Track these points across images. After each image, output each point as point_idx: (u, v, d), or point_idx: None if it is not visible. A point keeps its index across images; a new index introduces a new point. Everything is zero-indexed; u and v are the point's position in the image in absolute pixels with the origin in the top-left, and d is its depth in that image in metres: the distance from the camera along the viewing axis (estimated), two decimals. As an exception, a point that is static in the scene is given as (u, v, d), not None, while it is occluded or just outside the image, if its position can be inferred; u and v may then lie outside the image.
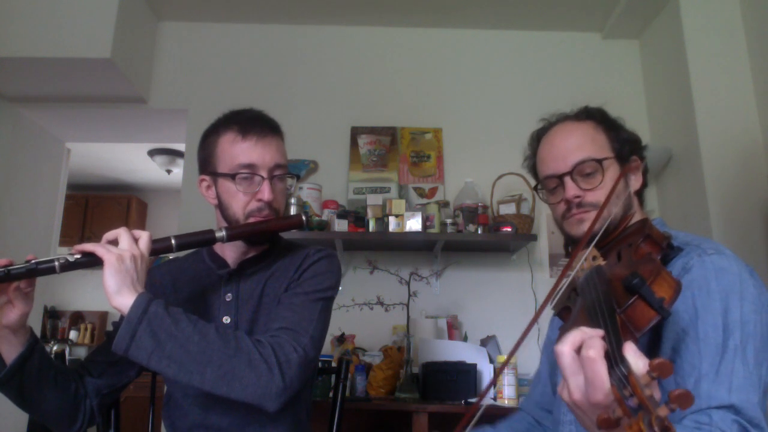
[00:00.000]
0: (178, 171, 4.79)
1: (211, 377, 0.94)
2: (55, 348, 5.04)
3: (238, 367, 0.96)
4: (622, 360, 0.57)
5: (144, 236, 1.00)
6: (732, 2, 2.64)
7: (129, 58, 2.72)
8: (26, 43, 2.52)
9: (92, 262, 0.95)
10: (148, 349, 0.92)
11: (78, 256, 0.95)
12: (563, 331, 0.69)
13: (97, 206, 5.45)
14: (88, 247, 0.95)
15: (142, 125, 3.23)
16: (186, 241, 1.06)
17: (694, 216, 2.52)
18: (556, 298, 0.83)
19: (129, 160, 5.00)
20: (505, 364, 0.86)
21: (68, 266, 0.94)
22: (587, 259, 0.88)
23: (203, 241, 1.10)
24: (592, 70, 3.03)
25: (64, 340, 5.29)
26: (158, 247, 1.03)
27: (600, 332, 0.62)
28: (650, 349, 0.87)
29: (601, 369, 0.58)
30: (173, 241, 1.04)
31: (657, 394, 0.56)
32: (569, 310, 0.85)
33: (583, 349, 0.61)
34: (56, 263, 0.93)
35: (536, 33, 3.08)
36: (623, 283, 0.69)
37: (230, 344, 0.97)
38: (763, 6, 2.48)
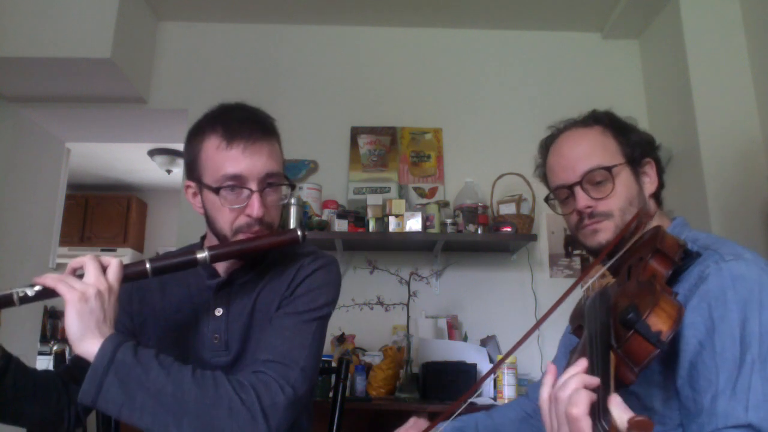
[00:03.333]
0: (178, 171, 4.79)
1: (189, 429, 0.86)
2: (55, 348, 5.04)
3: (217, 417, 0.87)
4: (606, 413, 0.55)
5: (113, 265, 0.90)
6: (732, 2, 2.64)
7: (129, 58, 2.72)
8: (26, 43, 2.52)
9: (53, 295, 0.87)
10: (117, 402, 0.84)
11: (38, 288, 0.87)
12: (572, 358, 0.68)
13: (97, 206, 5.44)
14: (49, 281, 0.86)
15: (142, 125, 3.23)
16: (163, 264, 0.96)
17: (694, 216, 2.52)
18: (566, 311, 0.82)
19: (129, 160, 5.00)
20: (499, 364, 0.86)
21: (27, 300, 0.87)
22: (597, 278, 0.86)
23: (183, 264, 0.97)
24: (592, 70, 3.03)
25: (64, 340, 5.29)
26: (131, 273, 0.93)
27: (596, 382, 0.62)
28: (668, 363, 0.84)
29: (584, 427, 0.58)
30: (148, 266, 0.93)
31: None
32: (582, 329, 0.83)
33: (568, 405, 0.60)
34: (15, 296, 0.86)
35: (536, 33, 3.08)
36: (619, 318, 0.68)
37: (208, 392, 0.88)
38: (763, 6, 2.48)
